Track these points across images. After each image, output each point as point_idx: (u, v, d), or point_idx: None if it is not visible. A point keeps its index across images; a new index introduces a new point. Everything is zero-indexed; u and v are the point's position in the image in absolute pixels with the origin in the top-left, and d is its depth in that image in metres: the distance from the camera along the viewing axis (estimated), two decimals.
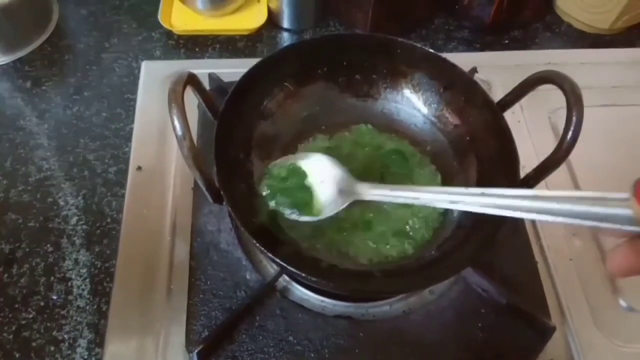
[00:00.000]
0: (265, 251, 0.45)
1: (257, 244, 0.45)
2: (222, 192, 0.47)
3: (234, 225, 0.57)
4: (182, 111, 0.42)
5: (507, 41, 0.83)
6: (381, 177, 0.58)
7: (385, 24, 0.79)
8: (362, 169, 0.58)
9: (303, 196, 0.52)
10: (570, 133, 0.46)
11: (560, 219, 0.36)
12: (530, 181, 0.50)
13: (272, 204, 0.52)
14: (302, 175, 0.53)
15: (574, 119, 0.46)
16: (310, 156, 0.54)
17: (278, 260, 0.45)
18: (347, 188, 0.52)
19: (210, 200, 0.47)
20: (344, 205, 0.51)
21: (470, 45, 0.82)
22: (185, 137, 0.42)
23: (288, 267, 0.45)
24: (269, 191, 0.53)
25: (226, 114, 0.51)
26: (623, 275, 0.35)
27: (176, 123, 0.42)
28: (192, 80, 0.46)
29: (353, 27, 0.82)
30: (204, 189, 0.46)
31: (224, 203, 0.47)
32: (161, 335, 0.54)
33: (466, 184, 0.56)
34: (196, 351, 0.50)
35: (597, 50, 0.82)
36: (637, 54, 0.81)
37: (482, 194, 0.42)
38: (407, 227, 0.55)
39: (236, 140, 0.54)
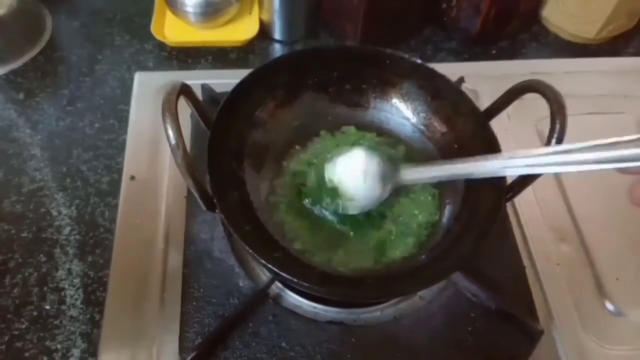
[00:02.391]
0: (257, 257, 0.46)
1: (250, 251, 0.46)
2: (215, 200, 0.48)
3: (226, 233, 0.58)
4: (176, 120, 0.43)
5: (494, 52, 0.85)
6: None
7: (375, 35, 0.81)
8: None
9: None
10: (554, 140, 0.47)
11: (585, 167, 0.41)
12: (515, 187, 0.51)
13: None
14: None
15: (557, 126, 0.47)
16: (347, 152, 0.55)
17: (270, 267, 0.46)
18: (391, 175, 0.54)
19: (204, 208, 0.48)
20: (390, 192, 0.54)
21: (459, 56, 0.84)
22: (178, 145, 0.43)
23: (280, 273, 0.46)
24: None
25: (219, 123, 0.52)
26: None
27: (170, 132, 0.42)
28: (185, 90, 0.47)
29: (343, 38, 0.83)
30: (197, 197, 0.47)
31: (217, 211, 0.48)
32: (155, 342, 0.54)
33: (454, 190, 0.57)
34: (189, 358, 0.50)
35: (582, 59, 0.84)
36: (621, 63, 0.83)
37: (511, 158, 0.47)
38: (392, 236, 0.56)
39: (229, 149, 0.55)
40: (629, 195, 0.39)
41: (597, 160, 0.40)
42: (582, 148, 0.41)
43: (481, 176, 0.50)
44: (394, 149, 0.61)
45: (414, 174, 0.54)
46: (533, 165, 0.45)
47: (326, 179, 0.55)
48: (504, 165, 0.47)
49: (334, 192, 0.54)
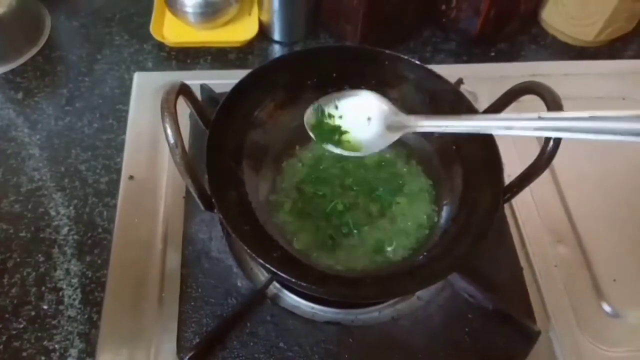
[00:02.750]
0: (256, 257, 0.46)
1: (248, 251, 0.46)
2: (213, 200, 0.48)
3: (225, 232, 0.58)
4: (175, 120, 0.43)
5: (493, 53, 0.85)
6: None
7: (374, 36, 0.81)
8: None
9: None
10: (551, 142, 0.47)
11: (610, 137, 0.40)
12: (513, 188, 0.52)
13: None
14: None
15: None
16: (354, 94, 0.55)
17: (269, 266, 0.46)
18: (396, 122, 0.53)
19: (202, 208, 0.48)
20: (394, 139, 0.52)
21: (458, 58, 0.84)
22: (177, 145, 0.43)
23: (278, 273, 0.46)
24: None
25: (218, 123, 0.52)
26: None
27: (168, 131, 0.43)
28: (184, 90, 0.47)
29: (343, 39, 0.83)
30: (195, 196, 0.47)
31: (215, 210, 0.48)
32: (153, 342, 0.54)
33: (452, 191, 0.57)
34: (187, 358, 0.50)
35: (580, 62, 0.84)
36: (619, 65, 0.84)
37: (539, 118, 0.44)
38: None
39: (227, 149, 0.55)
40: None
41: (623, 131, 0.39)
42: (609, 117, 0.40)
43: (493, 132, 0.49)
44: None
45: (426, 123, 0.52)
46: (559, 130, 0.43)
47: (326, 116, 0.55)
48: (507, 125, 0.46)
49: (336, 130, 0.54)
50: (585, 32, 0.84)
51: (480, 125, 0.48)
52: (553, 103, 0.47)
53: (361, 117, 0.54)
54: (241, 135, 0.57)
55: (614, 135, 0.40)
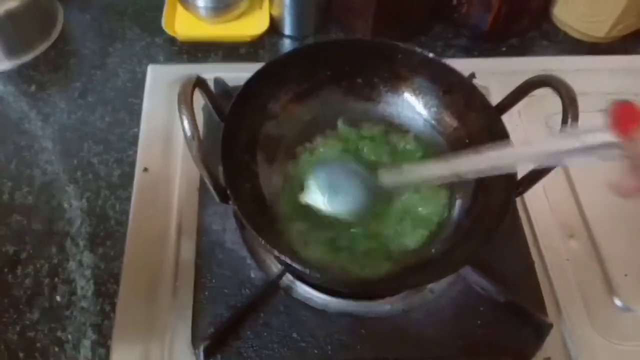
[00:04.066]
0: (270, 248, 0.46)
1: (263, 241, 0.46)
2: (228, 192, 0.48)
3: (239, 224, 0.58)
4: (191, 112, 0.43)
5: (504, 49, 0.85)
6: None
7: (385, 31, 0.80)
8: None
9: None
10: None
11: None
12: (526, 183, 0.52)
13: None
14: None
15: (569, 120, 0.47)
16: (320, 175, 0.55)
17: (282, 257, 0.46)
18: (373, 186, 0.54)
19: (217, 200, 0.49)
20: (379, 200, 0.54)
21: (469, 53, 0.84)
22: (194, 137, 0.43)
23: (292, 264, 0.46)
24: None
25: (233, 115, 0.53)
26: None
27: (185, 124, 0.43)
28: (200, 83, 0.47)
29: (353, 34, 0.83)
30: (211, 188, 0.47)
31: (230, 202, 0.48)
32: (167, 332, 0.54)
33: (465, 185, 0.57)
34: (202, 347, 0.50)
35: (592, 57, 0.84)
36: (632, 61, 0.83)
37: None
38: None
39: (242, 142, 0.56)
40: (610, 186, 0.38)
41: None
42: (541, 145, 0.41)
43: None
44: (403, 139, 0.62)
45: (392, 178, 0.53)
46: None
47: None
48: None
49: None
50: (597, 28, 0.84)
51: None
52: (567, 96, 0.48)
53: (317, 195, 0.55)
54: (255, 128, 0.58)
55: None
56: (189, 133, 0.43)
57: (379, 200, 0.55)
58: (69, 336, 0.55)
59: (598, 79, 0.78)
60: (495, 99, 0.60)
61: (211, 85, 0.65)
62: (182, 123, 0.43)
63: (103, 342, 0.54)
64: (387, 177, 0.53)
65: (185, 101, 0.43)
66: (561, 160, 0.42)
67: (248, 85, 0.55)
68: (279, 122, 0.60)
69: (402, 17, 0.81)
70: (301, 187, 0.56)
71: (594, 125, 0.37)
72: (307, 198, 0.55)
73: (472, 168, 0.46)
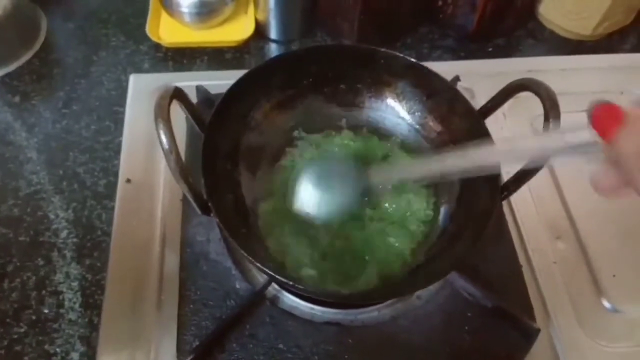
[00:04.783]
0: (253, 261, 0.46)
1: (245, 254, 0.46)
2: (209, 204, 0.48)
3: (223, 235, 0.58)
4: (168, 125, 0.43)
5: (491, 49, 0.85)
6: None
7: (371, 34, 0.81)
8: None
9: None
10: None
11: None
12: (510, 187, 0.51)
13: None
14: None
15: (550, 124, 0.47)
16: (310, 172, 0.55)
17: (266, 270, 0.46)
18: (363, 185, 0.53)
19: (199, 212, 0.48)
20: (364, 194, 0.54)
21: (455, 54, 0.84)
22: (171, 150, 0.43)
23: (276, 276, 0.46)
24: None
25: (213, 126, 0.52)
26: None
27: (162, 137, 0.43)
28: (178, 94, 0.47)
29: (340, 37, 0.83)
30: (191, 200, 0.47)
31: (212, 214, 0.48)
32: (152, 345, 0.54)
33: (449, 190, 0.57)
34: None
35: (578, 56, 0.84)
36: (617, 59, 0.83)
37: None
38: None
39: (223, 151, 0.55)
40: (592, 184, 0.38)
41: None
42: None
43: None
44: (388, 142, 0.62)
45: (381, 176, 0.54)
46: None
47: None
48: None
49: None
50: (583, 25, 0.84)
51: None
52: (548, 99, 0.48)
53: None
54: (237, 137, 0.57)
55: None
56: (166, 146, 0.43)
57: (368, 200, 0.55)
58: (57, 349, 0.55)
59: (584, 78, 0.78)
60: (480, 101, 0.60)
61: (193, 93, 0.65)
62: (159, 136, 0.43)
63: (92, 354, 0.54)
64: (377, 176, 0.53)
65: (161, 114, 0.43)
66: (545, 158, 0.42)
67: (228, 95, 0.54)
68: (262, 130, 0.59)
69: (387, 19, 0.81)
70: (285, 195, 0.56)
71: (576, 125, 0.37)
72: (295, 202, 0.54)
73: (458, 167, 0.46)
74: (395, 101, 0.62)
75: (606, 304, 0.59)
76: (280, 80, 0.60)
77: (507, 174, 0.53)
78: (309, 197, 0.54)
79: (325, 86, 0.62)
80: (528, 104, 0.58)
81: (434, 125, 0.60)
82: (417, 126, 0.62)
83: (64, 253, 0.61)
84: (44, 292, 0.58)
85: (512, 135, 0.69)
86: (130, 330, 0.55)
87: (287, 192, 0.57)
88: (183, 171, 0.44)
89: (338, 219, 0.55)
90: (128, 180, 0.65)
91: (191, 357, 0.50)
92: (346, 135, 0.63)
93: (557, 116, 0.47)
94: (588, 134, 0.35)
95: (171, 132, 0.43)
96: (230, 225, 0.49)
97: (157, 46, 0.80)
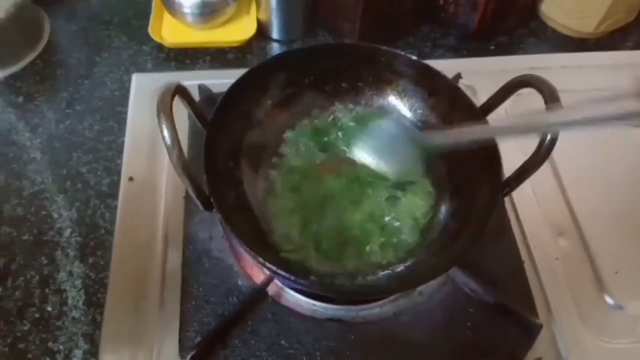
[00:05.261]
0: (255, 256, 0.46)
1: (248, 250, 0.46)
2: (212, 200, 0.48)
3: (225, 232, 0.58)
4: (171, 121, 0.43)
5: (492, 47, 0.85)
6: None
7: (373, 33, 0.81)
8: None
9: None
10: (549, 135, 0.47)
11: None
12: (512, 182, 0.51)
13: None
14: None
15: None
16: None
17: (268, 265, 0.46)
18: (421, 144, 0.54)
19: (201, 208, 0.48)
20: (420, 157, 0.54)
21: (457, 52, 0.84)
22: (174, 146, 0.43)
23: (278, 271, 0.46)
24: None
25: (215, 123, 0.52)
26: None
27: (165, 133, 0.43)
28: (180, 91, 0.47)
29: (341, 36, 0.83)
30: (193, 196, 0.47)
31: (214, 210, 0.48)
32: (155, 342, 0.54)
33: (451, 186, 0.57)
34: (189, 357, 0.50)
35: (579, 54, 0.84)
36: (619, 57, 0.83)
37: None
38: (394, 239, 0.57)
39: (225, 149, 0.55)
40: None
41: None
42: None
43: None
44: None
45: (437, 139, 0.53)
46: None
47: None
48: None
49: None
50: (585, 24, 0.84)
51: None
52: (550, 96, 0.47)
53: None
54: (239, 134, 0.57)
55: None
56: (168, 142, 0.43)
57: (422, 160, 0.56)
58: (61, 347, 0.55)
59: (586, 76, 0.78)
60: (482, 98, 0.59)
61: (195, 92, 0.65)
62: (161, 132, 0.43)
63: (95, 351, 0.54)
64: (435, 138, 0.54)
65: (164, 110, 0.43)
66: (593, 126, 0.41)
67: (230, 93, 0.54)
68: (263, 128, 0.60)
69: (389, 18, 0.81)
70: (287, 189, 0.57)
71: (622, 93, 0.38)
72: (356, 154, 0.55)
73: (509, 129, 0.48)
74: (396, 99, 0.62)
75: (608, 300, 0.59)
76: (281, 79, 0.60)
77: (508, 170, 0.53)
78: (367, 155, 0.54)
79: (326, 84, 0.62)
80: (530, 101, 0.58)
81: (436, 123, 0.60)
82: (419, 124, 0.62)
83: (67, 252, 0.61)
84: (47, 290, 0.58)
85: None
86: (133, 327, 0.55)
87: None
88: (185, 166, 0.44)
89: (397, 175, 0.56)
90: (131, 179, 0.65)
91: (193, 353, 0.50)
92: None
93: None
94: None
95: (174, 128, 0.43)
96: (233, 221, 0.49)
97: (160, 47, 0.81)
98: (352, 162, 0.58)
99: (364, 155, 0.55)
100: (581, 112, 0.41)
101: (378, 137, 0.55)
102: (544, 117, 0.44)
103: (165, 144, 0.43)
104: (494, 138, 0.51)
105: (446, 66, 0.60)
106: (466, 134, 0.50)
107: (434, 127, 0.61)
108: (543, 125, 0.45)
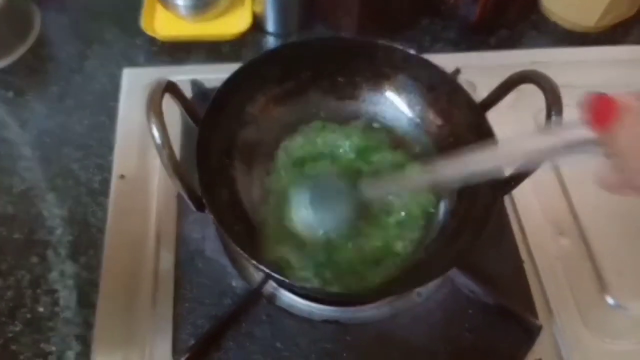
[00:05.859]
0: (249, 258, 0.45)
1: (241, 251, 0.45)
2: (204, 200, 0.47)
3: (218, 232, 0.57)
4: (161, 120, 0.42)
5: (493, 41, 0.83)
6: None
7: (372, 26, 0.79)
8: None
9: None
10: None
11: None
12: (512, 182, 0.51)
13: None
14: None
15: (553, 117, 0.46)
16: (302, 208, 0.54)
17: (262, 267, 0.45)
18: (356, 199, 0.53)
19: (193, 208, 0.47)
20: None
21: (457, 46, 0.83)
22: (164, 145, 0.42)
23: (272, 273, 0.45)
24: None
25: (207, 120, 0.51)
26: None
27: (155, 132, 0.42)
28: (171, 88, 0.46)
29: (339, 30, 0.82)
30: (185, 197, 0.46)
31: (207, 211, 0.47)
32: (147, 344, 0.53)
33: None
34: (183, 359, 0.49)
35: (581, 48, 0.83)
36: (621, 52, 0.82)
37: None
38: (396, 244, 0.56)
39: (218, 147, 0.54)
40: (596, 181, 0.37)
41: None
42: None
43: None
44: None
45: (374, 189, 0.53)
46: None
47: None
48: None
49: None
50: (587, 18, 0.83)
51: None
52: (551, 92, 0.47)
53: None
54: (232, 131, 0.57)
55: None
56: (158, 141, 0.42)
57: (363, 212, 0.54)
58: (53, 347, 0.54)
59: (588, 71, 0.77)
60: (482, 94, 0.59)
61: (188, 87, 0.64)
62: (151, 131, 0.42)
63: (87, 352, 0.53)
64: (369, 189, 0.53)
65: (154, 108, 0.42)
66: (543, 159, 0.40)
67: (223, 89, 0.53)
68: (258, 124, 0.59)
69: (388, 11, 0.80)
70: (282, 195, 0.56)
71: (572, 122, 0.35)
72: (294, 216, 0.54)
73: (454, 176, 0.46)
74: (394, 94, 0.62)
75: (609, 300, 0.58)
76: (276, 74, 0.59)
77: (508, 169, 0.52)
78: (304, 216, 0.54)
79: (322, 79, 0.61)
80: (531, 96, 0.57)
81: (435, 119, 0.60)
82: (418, 120, 0.61)
83: (58, 251, 0.60)
84: (39, 290, 0.57)
85: (514, 133, 0.68)
86: (125, 328, 0.54)
87: (281, 200, 0.56)
88: (176, 167, 0.43)
89: (335, 234, 0.54)
90: (122, 177, 0.64)
91: (187, 355, 0.50)
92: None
93: (560, 109, 0.47)
94: (584, 131, 0.34)
95: (164, 127, 0.42)
96: (226, 221, 0.48)
97: (152, 40, 0.79)
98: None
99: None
100: (527, 144, 0.39)
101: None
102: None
103: (155, 143, 0.42)
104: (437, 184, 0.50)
105: (445, 60, 0.59)
106: (405, 182, 0.52)
107: (433, 123, 0.60)
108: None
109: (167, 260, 0.58)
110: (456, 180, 0.48)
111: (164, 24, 0.80)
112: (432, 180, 0.48)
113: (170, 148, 0.42)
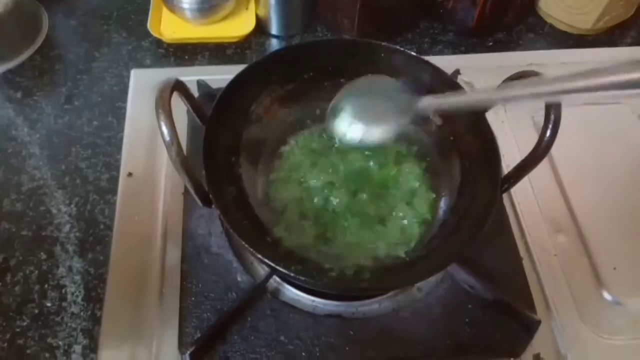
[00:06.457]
0: (254, 253, 0.46)
1: (247, 246, 0.46)
2: (211, 196, 0.48)
3: (224, 228, 0.58)
4: (170, 117, 0.43)
5: (491, 43, 0.85)
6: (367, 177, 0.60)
7: (372, 29, 0.80)
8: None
9: None
10: (548, 131, 0.47)
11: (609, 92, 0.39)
12: (511, 179, 0.51)
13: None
14: None
15: (552, 117, 0.47)
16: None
17: (267, 262, 0.46)
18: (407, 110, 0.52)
19: (200, 204, 0.48)
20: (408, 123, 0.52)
21: (456, 48, 0.84)
22: (172, 142, 0.43)
23: (277, 267, 0.46)
24: None
25: (214, 119, 0.52)
26: None
27: (164, 129, 0.43)
28: (179, 86, 0.47)
29: (340, 32, 0.83)
30: (192, 192, 0.47)
31: (213, 206, 0.48)
32: (154, 338, 0.54)
33: (450, 182, 0.57)
34: (189, 353, 0.50)
35: (578, 50, 0.84)
36: (617, 53, 0.83)
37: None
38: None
39: (224, 145, 0.55)
40: None
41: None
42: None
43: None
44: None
45: (430, 103, 0.51)
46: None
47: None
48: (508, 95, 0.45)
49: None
50: (583, 20, 0.83)
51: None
52: None
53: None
54: (238, 130, 0.57)
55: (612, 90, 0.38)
56: (167, 138, 0.43)
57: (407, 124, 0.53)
58: (60, 342, 0.55)
59: None
60: None
61: (194, 88, 0.65)
62: (160, 128, 0.43)
63: (94, 347, 0.54)
64: (424, 102, 0.51)
65: (163, 106, 0.43)
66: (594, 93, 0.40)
67: (229, 88, 0.54)
68: (263, 124, 0.60)
69: (388, 14, 0.81)
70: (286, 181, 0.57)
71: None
72: (332, 126, 0.54)
73: (505, 96, 0.45)
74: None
75: (607, 296, 0.59)
76: (280, 74, 0.60)
77: (507, 166, 0.53)
78: (348, 124, 0.53)
79: (325, 80, 0.62)
80: None
81: (435, 119, 0.60)
82: (418, 119, 0.61)
83: (66, 247, 0.61)
84: (46, 285, 0.58)
85: (513, 134, 0.68)
86: (132, 323, 0.55)
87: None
88: (184, 162, 0.44)
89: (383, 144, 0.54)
90: (130, 174, 0.65)
91: (192, 349, 0.50)
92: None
93: (558, 109, 0.47)
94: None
95: (172, 124, 0.43)
96: (232, 217, 0.49)
97: (159, 42, 0.81)
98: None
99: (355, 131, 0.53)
100: (580, 80, 0.40)
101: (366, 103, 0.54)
102: (544, 85, 0.43)
103: (164, 139, 0.43)
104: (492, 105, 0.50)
105: (445, 62, 0.60)
106: (465, 99, 0.49)
107: (433, 123, 0.61)
108: (544, 93, 0.42)
109: (174, 255, 0.58)
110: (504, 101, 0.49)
111: (170, 27, 0.82)
112: (484, 99, 0.48)
113: (179, 144, 0.43)
